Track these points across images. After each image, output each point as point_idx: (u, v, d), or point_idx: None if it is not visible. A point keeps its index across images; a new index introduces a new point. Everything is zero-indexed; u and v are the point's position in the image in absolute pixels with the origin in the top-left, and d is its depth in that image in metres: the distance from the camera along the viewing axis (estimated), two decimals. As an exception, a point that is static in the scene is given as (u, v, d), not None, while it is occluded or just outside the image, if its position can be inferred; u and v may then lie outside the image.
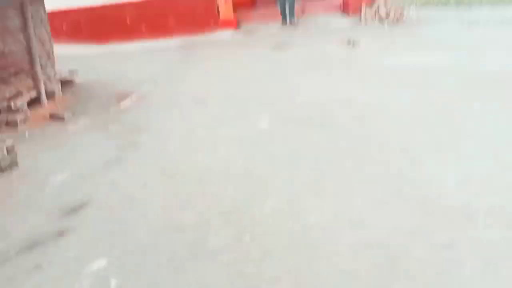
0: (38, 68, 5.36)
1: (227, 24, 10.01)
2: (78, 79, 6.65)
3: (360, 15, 9.24)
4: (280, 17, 9.83)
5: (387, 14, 8.95)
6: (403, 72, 5.48)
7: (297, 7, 10.19)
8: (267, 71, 6.37)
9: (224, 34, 9.74)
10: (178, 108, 5.10)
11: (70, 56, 8.94)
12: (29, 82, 5.33)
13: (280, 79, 5.83)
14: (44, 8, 5.83)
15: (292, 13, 9.55)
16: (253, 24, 10.22)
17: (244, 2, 12.20)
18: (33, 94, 5.33)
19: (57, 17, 7.42)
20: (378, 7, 9.16)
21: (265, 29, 9.69)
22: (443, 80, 4.96)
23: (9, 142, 3.55)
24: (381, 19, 8.91)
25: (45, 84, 5.55)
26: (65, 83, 6.37)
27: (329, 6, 10.38)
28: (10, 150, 3.51)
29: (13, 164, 3.54)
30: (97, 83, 6.69)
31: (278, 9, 9.84)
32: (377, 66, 5.92)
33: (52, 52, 6.01)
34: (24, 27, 5.20)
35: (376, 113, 4.14)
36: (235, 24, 10.13)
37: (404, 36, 7.60)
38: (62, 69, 6.54)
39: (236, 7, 10.44)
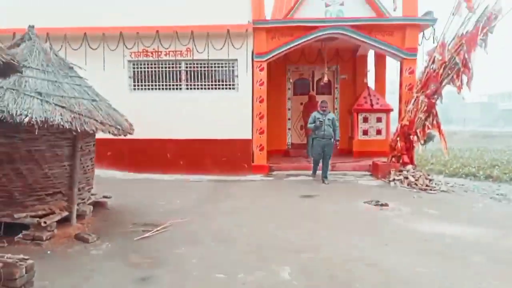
0: (75, 192, 5.63)
1: (259, 169, 10.50)
2: (110, 203, 6.90)
3: (389, 178, 9.50)
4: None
5: (416, 181, 9.14)
6: (430, 240, 5.39)
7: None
8: (293, 219, 6.42)
9: (256, 178, 10.13)
10: (201, 245, 5.10)
11: (109, 180, 9.44)
12: (64, 203, 5.55)
13: (305, 230, 5.84)
14: (94, 141, 6.34)
15: (326, 173, 9.57)
16: (284, 171, 10.66)
17: (278, 150, 12.96)
18: (65, 214, 5.51)
19: (103, 144, 8.00)
20: (407, 173, 9.42)
21: (295, 178, 10.03)
22: (469, 254, 4.82)
23: (29, 261, 3.58)
24: (410, 185, 9.07)
25: (78, 206, 5.76)
26: (97, 205, 6.62)
27: (359, 166, 10.80)
28: (29, 269, 3.52)
29: (28, 284, 3.52)
30: (128, 209, 6.90)
31: (311, 162, 10.31)
32: (404, 231, 5.86)
33: (92, 178, 6.36)
34: (72, 157, 5.59)
35: (401, 283, 3.99)
36: (267, 170, 10.61)
37: (432, 204, 7.62)
38: (97, 191, 6.86)
39: (270, 154, 11.07)
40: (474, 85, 8.91)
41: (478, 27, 8.45)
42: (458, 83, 8.92)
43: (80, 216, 5.90)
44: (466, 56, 8.58)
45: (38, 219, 5.07)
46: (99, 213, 6.47)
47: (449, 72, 8.97)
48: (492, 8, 8.36)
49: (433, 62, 9.37)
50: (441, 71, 9.09)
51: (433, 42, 10.02)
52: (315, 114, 9.43)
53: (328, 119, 9.30)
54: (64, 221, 5.53)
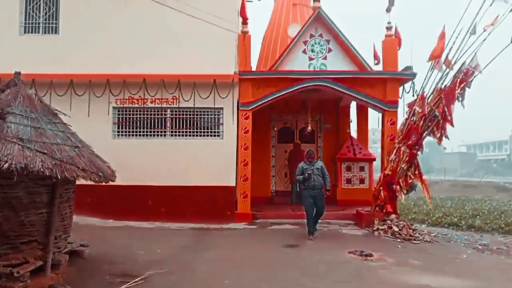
0: (51, 240, 5.46)
1: (243, 217, 10.39)
2: (87, 252, 6.67)
3: (373, 227, 9.47)
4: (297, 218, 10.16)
5: (400, 231, 9.12)
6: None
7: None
8: (277, 270, 6.29)
9: (239, 226, 9.99)
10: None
11: (88, 227, 9.20)
12: (39, 252, 5.35)
13: (289, 281, 5.71)
14: (74, 188, 6.23)
15: (313, 226, 8.91)
16: (268, 219, 10.54)
17: (262, 198, 12.89)
18: (39, 263, 5.29)
19: (83, 190, 7.83)
20: (391, 222, 9.42)
21: (279, 227, 9.91)
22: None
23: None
24: (393, 235, 9.05)
25: (53, 255, 5.55)
26: (74, 254, 6.38)
27: (343, 215, 10.77)
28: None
29: None
30: (105, 258, 6.67)
31: (295, 210, 10.23)
32: (390, 283, 5.79)
33: (70, 226, 6.19)
34: (50, 204, 5.47)
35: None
36: (251, 218, 10.49)
37: (417, 254, 7.58)
38: (75, 239, 6.64)
39: (253, 201, 10.99)
40: (453, 135, 9.18)
41: (456, 82, 8.80)
42: (438, 135, 9.16)
43: (55, 266, 5.66)
44: (446, 109, 8.86)
45: (11, 268, 4.85)
46: (75, 262, 6.22)
47: (429, 124, 9.22)
48: (469, 64, 8.75)
49: (414, 114, 9.65)
50: (421, 123, 9.34)
51: (413, 95, 10.38)
52: (302, 165, 8.93)
53: (317, 168, 8.82)
54: (38, 271, 5.30)
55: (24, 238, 5.28)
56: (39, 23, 10.85)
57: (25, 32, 10.86)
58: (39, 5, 10.85)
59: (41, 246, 5.46)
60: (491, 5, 8.64)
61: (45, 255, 5.42)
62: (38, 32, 10.85)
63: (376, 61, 11.78)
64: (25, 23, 10.87)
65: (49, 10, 10.84)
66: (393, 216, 9.69)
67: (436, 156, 65.60)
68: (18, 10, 10.75)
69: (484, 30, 8.58)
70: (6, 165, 4.53)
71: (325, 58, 11.04)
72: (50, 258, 5.48)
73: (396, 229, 9.22)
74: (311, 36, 11.09)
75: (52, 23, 10.82)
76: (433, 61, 9.54)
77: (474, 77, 8.73)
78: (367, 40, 14.00)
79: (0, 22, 10.67)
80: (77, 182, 6.15)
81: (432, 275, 6.28)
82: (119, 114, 10.75)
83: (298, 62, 11.01)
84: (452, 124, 8.88)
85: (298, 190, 12.74)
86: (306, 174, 8.68)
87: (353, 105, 14.06)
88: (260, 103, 10.76)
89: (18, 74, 5.78)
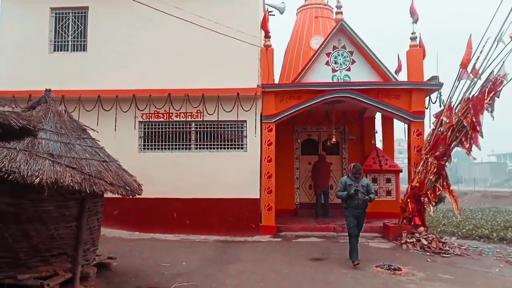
0: (80, 253, 5.55)
1: (267, 229, 10.34)
2: (114, 264, 6.76)
3: (401, 241, 9.27)
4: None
5: (429, 244, 8.90)
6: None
7: (336, 226, 10.57)
8: (303, 284, 6.22)
9: (263, 238, 9.94)
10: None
11: (115, 239, 9.34)
12: (68, 264, 5.45)
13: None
14: (102, 201, 6.35)
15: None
16: (292, 232, 10.46)
17: (286, 210, 12.82)
18: (68, 275, 5.39)
19: (110, 203, 7.97)
20: (419, 235, 9.21)
21: (304, 240, 9.81)
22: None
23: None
24: (422, 248, 8.83)
25: (82, 267, 5.65)
26: (102, 267, 6.48)
27: (370, 228, 10.57)
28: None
29: None
30: (132, 271, 6.74)
31: (320, 222, 10.12)
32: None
33: (98, 238, 6.30)
34: (79, 217, 5.58)
35: None
36: (275, 230, 10.43)
37: (447, 268, 7.37)
38: (102, 251, 6.75)
39: (278, 213, 10.94)
40: (483, 145, 8.94)
41: (484, 91, 8.61)
42: (467, 145, 8.95)
43: (84, 278, 5.75)
44: (474, 119, 8.66)
45: (41, 281, 4.97)
46: (103, 275, 6.32)
47: (457, 134, 9.03)
48: (497, 74, 8.56)
49: (441, 124, 9.47)
50: (449, 133, 9.16)
51: (440, 106, 10.19)
52: (345, 180, 7.89)
53: (363, 185, 7.75)
54: (67, 283, 5.40)
55: (53, 251, 5.39)
56: (68, 41, 11.22)
57: (54, 50, 11.25)
58: (68, 24, 11.24)
59: (70, 259, 5.56)
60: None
61: (74, 267, 5.52)
62: (67, 50, 11.22)
63: (397, 71, 11.65)
64: (55, 41, 11.26)
65: (77, 29, 11.20)
66: (421, 228, 9.47)
67: (465, 166, 63.96)
68: (48, 29, 11.15)
69: (511, 39, 8.40)
70: (37, 180, 4.67)
71: (348, 69, 10.99)
72: (79, 271, 5.57)
73: (425, 242, 9.00)
74: (334, 48, 11.07)
75: (80, 41, 11.18)
76: (460, 70, 9.38)
77: (503, 86, 8.53)
78: (389, 53, 13.89)
79: (31, 40, 11.08)
80: (105, 195, 6.27)
81: (464, 290, 6.09)
82: (145, 128, 10.94)
83: (321, 74, 10.99)
84: (481, 135, 8.67)
85: (323, 202, 12.67)
86: (351, 191, 7.62)
87: (378, 116, 13.90)
88: (283, 115, 10.77)
89: (48, 91, 5.98)
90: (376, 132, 14.04)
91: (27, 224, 5.14)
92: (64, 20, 11.27)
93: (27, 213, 5.14)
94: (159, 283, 6.06)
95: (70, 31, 11.23)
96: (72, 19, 11.25)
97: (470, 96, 9.04)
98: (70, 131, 5.80)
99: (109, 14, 11.00)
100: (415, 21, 10.65)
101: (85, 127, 6.26)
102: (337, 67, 11.04)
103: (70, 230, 5.58)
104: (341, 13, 11.35)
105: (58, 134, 5.51)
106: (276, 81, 13.14)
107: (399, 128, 11.66)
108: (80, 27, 11.20)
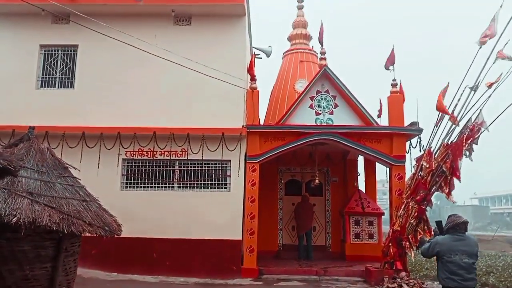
0: (54, 296, 5.38)
1: (249, 272, 10.17)
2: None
3: (383, 285, 9.20)
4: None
5: (410, 289, 8.86)
6: None
7: (318, 269, 10.47)
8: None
9: (244, 282, 9.76)
10: None
11: (91, 280, 9.08)
12: (41, 307, 5.27)
13: None
14: (80, 242, 6.21)
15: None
16: (274, 275, 10.31)
17: (268, 251, 12.68)
18: (40, 320, 5.20)
19: (88, 242, 7.78)
20: (401, 281, 9.16)
21: (286, 284, 9.67)
22: None
23: None
24: (404, 293, 8.78)
25: (55, 311, 5.46)
26: (75, 310, 6.27)
27: (352, 271, 10.52)
28: None
29: None
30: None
31: (302, 266, 10.01)
32: None
33: (73, 280, 6.12)
34: (55, 258, 5.43)
35: None
36: (257, 273, 10.27)
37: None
38: (77, 294, 6.55)
39: (260, 255, 10.81)
40: (465, 188, 9.08)
41: (462, 138, 8.85)
42: (446, 190, 9.10)
43: (56, 323, 5.56)
44: (453, 165, 8.86)
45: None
46: (76, 319, 6.10)
47: (437, 179, 9.19)
48: (475, 121, 8.85)
49: (421, 169, 9.65)
50: (429, 178, 9.31)
51: (420, 151, 10.42)
52: (440, 241, 5.12)
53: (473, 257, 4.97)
54: (38, 329, 5.20)
55: (25, 292, 5.21)
56: (55, 78, 11.31)
57: (41, 86, 11.31)
58: (57, 60, 11.36)
59: (43, 303, 5.37)
60: (494, 62, 8.88)
61: (47, 311, 5.33)
62: (54, 87, 11.28)
63: (379, 116, 11.98)
64: (42, 77, 11.34)
65: (65, 66, 11.32)
66: (403, 273, 9.43)
67: (448, 208, 64.42)
68: (36, 65, 11.25)
69: (488, 88, 8.76)
70: (14, 219, 4.58)
71: (331, 113, 11.25)
72: (51, 316, 5.39)
73: (406, 287, 8.96)
74: (318, 92, 11.37)
75: (68, 78, 11.27)
76: (438, 117, 9.67)
77: (481, 133, 8.80)
78: (370, 93, 14.32)
79: (18, 75, 11.13)
80: (83, 234, 6.15)
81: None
82: (128, 166, 10.89)
83: (305, 117, 11.22)
84: (459, 179, 8.84)
85: (305, 244, 12.59)
86: (462, 262, 4.87)
87: (361, 158, 14.11)
88: (268, 156, 10.87)
89: (32, 128, 5.97)
90: (359, 175, 14.22)
91: (1, 264, 4.99)
92: (53, 57, 11.39)
93: (2, 252, 4.99)
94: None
95: (58, 67, 11.34)
96: (61, 56, 11.39)
97: (449, 142, 9.29)
98: (51, 169, 5.74)
99: (99, 53, 11.16)
100: (387, 68, 11.04)
101: (67, 165, 6.22)
102: (320, 110, 11.29)
103: (45, 271, 5.41)
104: (325, 58, 11.74)
105: (39, 173, 5.46)
106: (261, 122, 13.34)
107: (382, 170, 11.85)
108: (69, 64, 11.33)
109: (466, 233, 5.09)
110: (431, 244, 5.17)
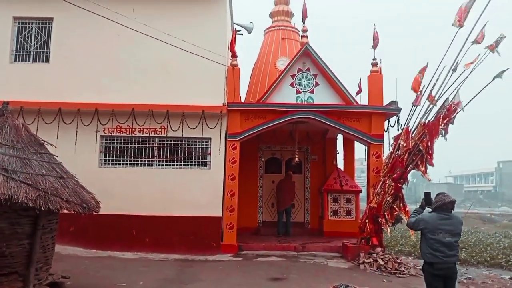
0: (32, 272, 5.38)
1: (228, 248, 10.30)
2: (68, 284, 6.55)
3: (359, 261, 9.46)
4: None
5: (385, 264, 9.12)
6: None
7: (296, 245, 10.67)
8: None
9: (224, 257, 9.88)
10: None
11: (70, 257, 9.05)
12: (19, 284, 5.27)
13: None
14: (57, 219, 6.18)
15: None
16: (254, 251, 10.47)
17: (248, 228, 12.84)
18: (19, 296, 5.21)
19: (66, 219, 7.75)
20: (376, 256, 9.42)
21: (265, 259, 9.83)
22: None
23: None
24: (379, 268, 9.04)
25: (33, 287, 5.46)
26: (55, 286, 6.26)
27: (329, 247, 10.75)
28: None
29: None
30: (86, 291, 6.56)
31: (281, 241, 10.19)
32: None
33: (51, 257, 6.11)
34: (32, 235, 5.42)
35: None
36: (236, 249, 10.40)
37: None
38: (56, 270, 6.53)
39: (240, 231, 10.93)
40: (440, 166, 9.32)
41: (439, 117, 9.01)
42: (422, 168, 9.30)
43: (35, 299, 5.56)
44: (429, 143, 9.04)
45: (-12, 303, 4.77)
46: (55, 295, 6.12)
47: (414, 158, 9.37)
48: (452, 101, 9.00)
49: (398, 148, 9.81)
50: (406, 156, 9.49)
51: (398, 130, 10.59)
52: (426, 218, 5.24)
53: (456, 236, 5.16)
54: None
55: (4, 269, 5.20)
56: (30, 52, 10.95)
57: (15, 60, 10.94)
58: (31, 34, 10.98)
59: (21, 278, 5.37)
60: (472, 43, 8.99)
61: (25, 287, 5.33)
62: (29, 61, 10.94)
63: (358, 91, 12.07)
64: (16, 51, 10.95)
65: (40, 39, 10.96)
66: (378, 249, 9.70)
67: (424, 186, 66.01)
68: (9, 38, 10.85)
69: (465, 69, 8.89)
70: (-11, 196, 4.52)
71: (312, 91, 11.28)
72: (30, 292, 5.39)
73: (381, 262, 9.21)
74: (299, 70, 11.35)
75: (43, 52, 10.92)
76: (416, 96, 9.80)
77: (457, 113, 8.97)
78: (352, 69, 14.38)
79: (-9, 49, 10.76)
80: (61, 211, 6.11)
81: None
82: (106, 143, 10.74)
83: (285, 95, 11.21)
84: (432, 160, 9.01)
85: (285, 220, 12.78)
86: (445, 240, 5.03)
87: (340, 137, 14.25)
88: (248, 134, 10.87)
89: (6, 104, 5.83)
90: (338, 153, 14.37)
91: (-24, 241, 4.95)
92: (27, 30, 10.99)
93: (-23, 230, 4.95)
94: (114, 303, 5.92)
95: (32, 41, 10.97)
96: (36, 29, 11.01)
97: (426, 122, 9.45)
98: (27, 146, 5.66)
99: (74, 27, 10.81)
100: (374, 47, 11.08)
101: (43, 142, 6.11)
102: (301, 89, 11.30)
103: (22, 248, 5.41)
104: (306, 36, 11.67)
105: (14, 149, 5.37)
106: (243, 100, 13.28)
107: (361, 148, 12.01)
108: (44, 37, 10.97)
109: (453, 211, 5.21)
110: (417, 219, 5.30)
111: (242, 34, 14.75)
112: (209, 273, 8.32)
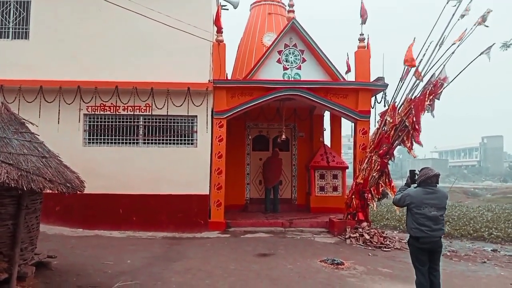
0: (17, 253, 5.32)
1: (216, 225, 10.35)
2: (55, 263, 6.52)
3: (345, 235, 9.59)
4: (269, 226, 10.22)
5: (371, 238, 9.27)
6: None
7: (284, 221, 10.75)
8: (249, 280, 6.30)
9: (212, 235, 9.94)
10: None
11: (56, 236, 9.00)
12: (4, 264, 5.21)
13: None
14: (42, 199, 6.09)
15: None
16: (241, 228, 10.54)
17: (236, 205, 12.89)
18: (4, 276, 5.15)
19: (51, 198, 7.66)
20: (362, 230, 9.56)
21: (252, 236, 9.91)
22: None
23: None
24: (365, 242, 9.19)
25: (19, 267, 5.41)
26: (41, 266, 6.23)
27: (316, 223, 10.87)
28: None
29: None
30: (73, 269, 6.53)
31: (268, 218, 10.26)
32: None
33: (37, 237, 6.05)
34: (16, 215, 5.34)
35: None
36: (224, 226, 10.46)
37: (386, 262, 7.72)
38: (42, 249, 6.49)
39: (228, 209, 10.97)
40: (425, 142, 9.38)
41: (425, 93, 9.03)
42: (408, 144, 9.36)
43: (21, 278, 5.50)
44: (415, 119, 9.07)
45: (-27, 284, 4.72)
46: (42, 274, 6.07)
47: (400, 134, 9.42)
48: (438, 76, 9.00)
49: (385, 124, 9.84)
50: (392, 132, 9.53)
51: (384, 106, 10.59)
52: (412, 194, 5.25)
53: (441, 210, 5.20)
54: (3, 284, 5.15)
55: (-13, 250, 5.12)
56: (8, 28, 10.59)
57: (-7, 37, 10.60)
58: (9, 10, 10.60)
59: (6, 259, 5.30)
60: (459, 19, 8.96)
61: (10, 267, 5.27)
62: (8, 38, 10.59)
63: (347, 71, 11.99)
64: (-6, 28, 10.61)
65: (19, 15, 10.59)
66: (364, 224, 9.84)
67: (409, 161, 66.90)
68: (-14, 14, 10.50)
69: (453, 44, 8.87)
70: (-32, 177, 4.41)
71: (299, 68, 11.17)
72: (16, 271, 5.33)
73: (367, 237, 9.37)
74: (286, 46, 11.20)
75: (22, 28, 10.58)
76: (404, 70, 9.78)
77: (443, 88, 8.99)
78: (340, 45, 14.28)
79: (-33, 26, 10.38)
80: (45, 190, 6.02)
81: (401, 283, 6.41)
82: (90, 122, 10.56)
83: (272, 72, 11.09)
84: (419, 137, 9.05)
85: (272, 197, 12.84)
86: (430, 214, 5.07)
87: (327, 114, 14.24)
88: (235, 111, 10.78)
89: (-17, 82, 5.64)
90: (325, 130, 14.40)
91: (-42, 222, 4.85)
92: (5, 6, 10.60)
93: (-41, 211, 4.85)
94: (102, 282, 5.92)
95: (11, 17, 10.60)
96: (14, 5, 10.62)
97: (413, 97, 9.46)
98: (7, 125, 5.51)
99: (54, 2, 10.48)
100: (364, 22, 10.97)
101: (24, 121, 5.96)
102: (288, 65, 11.18)
103: (6, 228, 5.33)
104: (293, 11, 11.49)
105: (-7, 128, 5.22)
106: (229, 77, 13.12)
107: (348, 125, 12.02)
108: (23, 13, 10.59)
109: (437, 185, 5.25)
110: (403, 195, 5.31)
111: (227, 9, 14.46)
112: (197, 250, 8.36)
